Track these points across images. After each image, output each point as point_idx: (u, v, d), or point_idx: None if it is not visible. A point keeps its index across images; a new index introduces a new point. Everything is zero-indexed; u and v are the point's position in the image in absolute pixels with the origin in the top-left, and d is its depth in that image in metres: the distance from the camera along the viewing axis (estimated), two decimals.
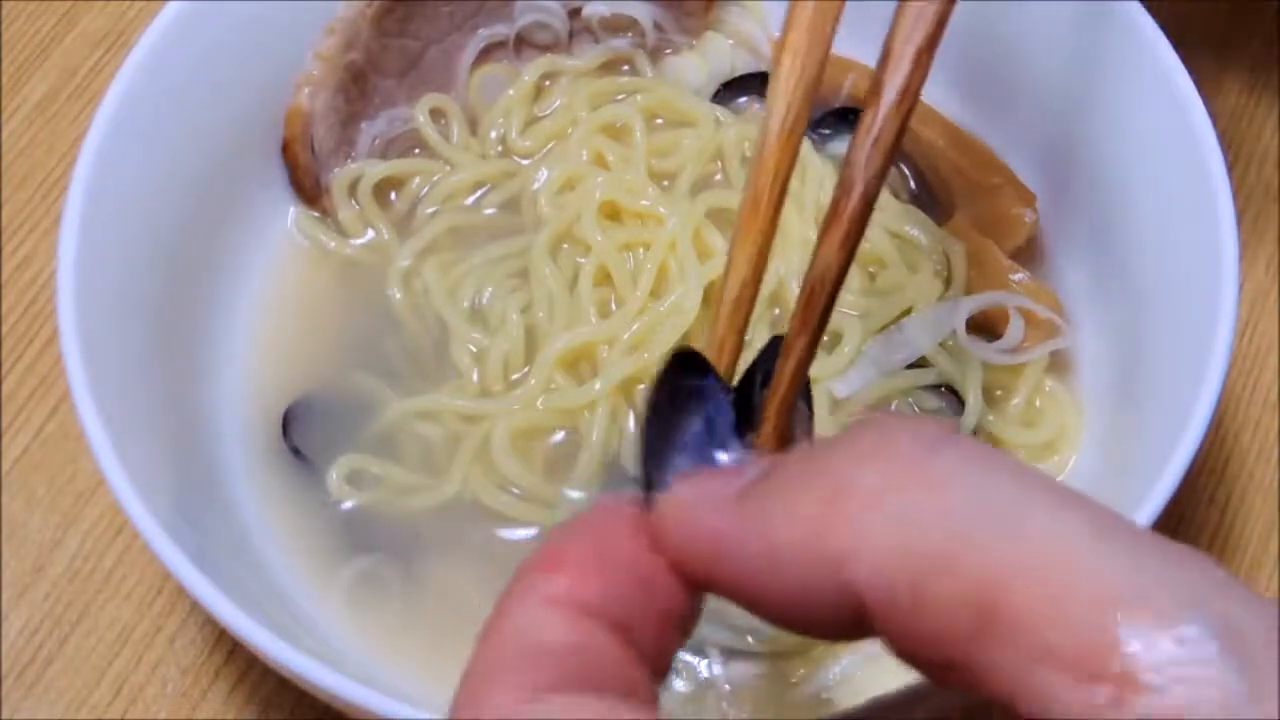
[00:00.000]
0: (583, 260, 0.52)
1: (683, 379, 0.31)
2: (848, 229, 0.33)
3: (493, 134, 0.57)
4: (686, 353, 0.32)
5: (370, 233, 0.55)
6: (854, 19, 0.57)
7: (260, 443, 0.51)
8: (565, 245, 0.53)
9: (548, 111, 0.57)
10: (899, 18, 0.34)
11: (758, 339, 0.51)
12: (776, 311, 0.52)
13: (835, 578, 0.23)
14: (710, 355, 0.34)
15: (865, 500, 0.23)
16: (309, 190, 0.55)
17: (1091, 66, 0.52)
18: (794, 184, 0.54)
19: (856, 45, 0.58)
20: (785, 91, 0.34)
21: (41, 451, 0.55)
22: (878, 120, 0.33)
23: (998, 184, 0.54)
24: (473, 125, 0.57)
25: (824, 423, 0.49)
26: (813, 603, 0.23)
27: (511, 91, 0.57)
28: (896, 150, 0.33)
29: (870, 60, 0.60)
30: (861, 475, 0.23)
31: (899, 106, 0.33)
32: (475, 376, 0.51)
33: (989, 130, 0.56)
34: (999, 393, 0.51)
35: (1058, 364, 0.52)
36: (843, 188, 0.33)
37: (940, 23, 0.34)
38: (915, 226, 0.53)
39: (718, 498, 0.25)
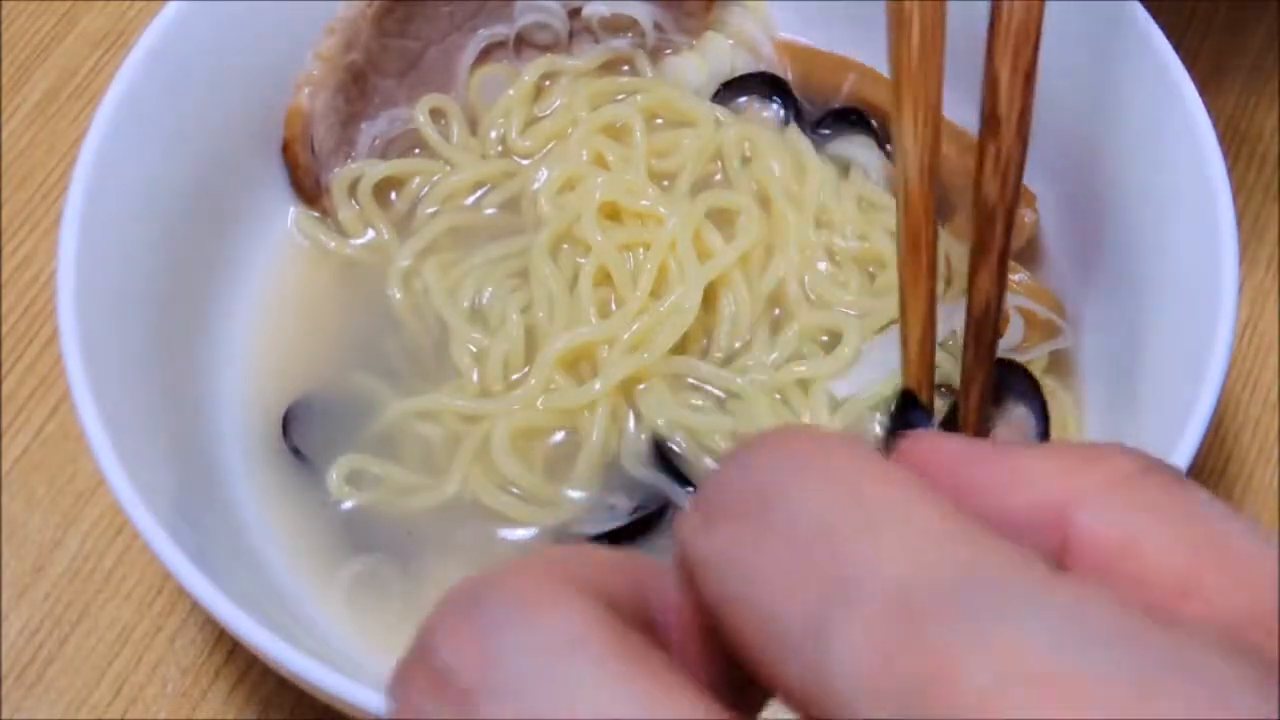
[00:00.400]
0: (583, 260, 0.52)
1: (905, 416, 0.33)
2: (998, 258, 0.34)
3: (493, 134, 0.57)
4: (907, 392, 0.34)
5: (370, 233, 0.55)
6: (855, 19, 0.57)
7: (260, 443, 0.51)
8: (565, 245, 0.53)
9: (548, 111, 0.57)
10: (994, 46, 0.34)
11: (758, 341, 0.51)
12: (777, 312, 0.52)
13: (1055, 520, 0.23)
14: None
15: (1110, 471, 0.23)
16: (309, 190, 0.55)
17: (1091, 66, 0.52)
18: (793, 185, 0.54)
19: (857, 45, 0.58)
20: (911, 136, 0.35)
21: (41, 451, 0.55)
22: (1002, 149, 0.34)
23: None
24: (473, 125, 0.57)
25: (823, 424, 0.49)
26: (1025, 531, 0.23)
27: (511, 91, 0.57)
28: (1023, 169, 0.35)
29: (868, 59, 0.59)
30: (1110, 453, 0.23)
31: (1019, 130, 0.34)
32: (475, 376, 0.51)
33: None
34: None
35: (1058, 364, 0.52)
36: (985, 218, 0.34)
37: (1036, 45, 0.35)
38: None
39: (968, 440, 0.25)
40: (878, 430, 0.48)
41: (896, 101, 0.35)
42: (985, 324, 0.35)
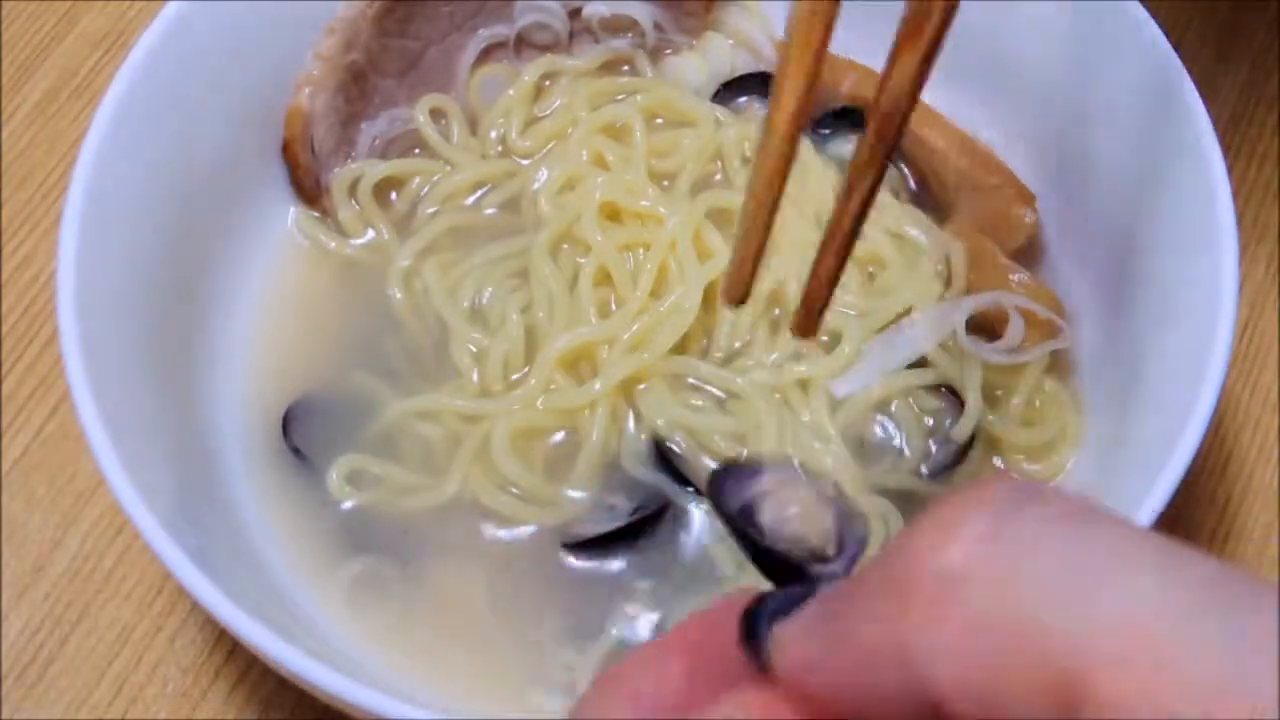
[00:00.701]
0: (583, 260, 0.52)
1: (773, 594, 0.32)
2: (926, 50, 0.31)
3: (493, 134, 0.57)
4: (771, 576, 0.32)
5: (370, 233, 0.55)
6: (855, 19, 0.57)
7: (260, 443, 0.51)
8: (565, 245, 0.53)
9: (548, 111, 0.57)
10: None
11: (758, 341, 0.51)
12: (777, 312, 0.52)
13: (917, 682, 0.22)
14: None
15: (933, 596, 0.22)
16: (309, 190, 0.55)
17: (1091, 66, 0.52)
18: (793, 186, 0.54)
19: (857, 45, 0.58)
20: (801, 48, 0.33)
21: (41, 451, 0.55)
22: None
23: (998, 184, 0.54)
24: (473, 125, 0.57)
25: (823, 424, 0.49)
26: (903, 712, 0.23)
27: (511, 91, 0.57)
28: None
29: (868, 59, 0.59)
30: (928, 568, 0.22)
31: None
32: (475, 376, 0.51)
33: (989, 130, 0.56)
34: (999, 393, 0.51)
35: (1058, 364, 0.52)
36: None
37: None
38: (915, 226, 0.53)
39: (807, 625, 0.25)
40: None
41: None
42: (889, 123, 0.32)
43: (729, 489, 0.34)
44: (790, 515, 0.33)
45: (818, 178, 0.54)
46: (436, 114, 0.56)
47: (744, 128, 0.56)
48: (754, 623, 0.28)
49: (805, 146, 0.56)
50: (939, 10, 0.31)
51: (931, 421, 0.50)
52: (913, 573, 0.23)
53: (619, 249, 0.52)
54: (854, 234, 0.36)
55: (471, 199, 0.56)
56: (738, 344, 0.51)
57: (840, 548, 0.33)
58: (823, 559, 0.33)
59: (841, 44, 0.58)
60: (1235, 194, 0.46)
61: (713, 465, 0.49)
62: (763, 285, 0.52)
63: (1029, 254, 0.54)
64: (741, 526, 0.33)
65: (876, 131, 0.33)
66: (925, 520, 0.24)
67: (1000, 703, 0.21)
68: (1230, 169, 0.47)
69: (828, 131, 0.57)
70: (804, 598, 0.29)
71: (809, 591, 0.29)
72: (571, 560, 0.49)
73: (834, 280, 0.38)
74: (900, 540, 0.24)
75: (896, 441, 0.50)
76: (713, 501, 0.33)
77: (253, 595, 0.43)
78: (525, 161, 0.56)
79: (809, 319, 0.39)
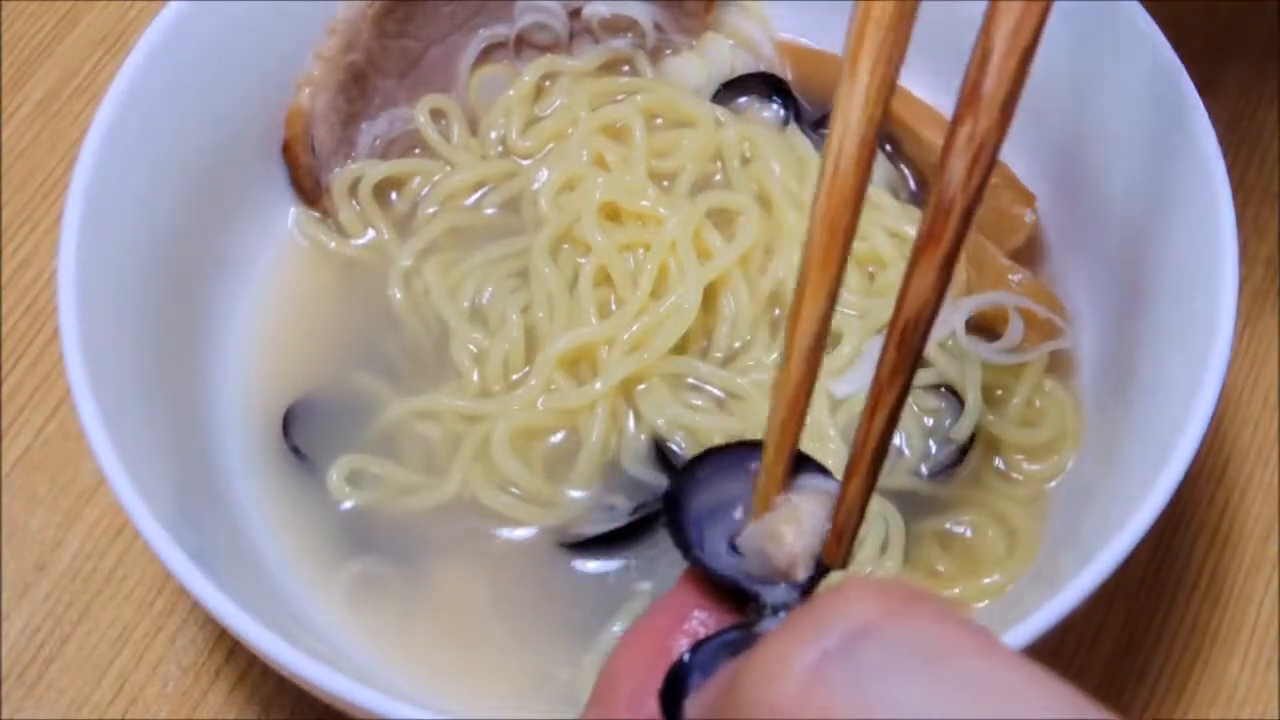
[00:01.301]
0: (583, 260, 0.52)
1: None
2: (945, 257, 0.29)
3: (493, 134, 0.57)
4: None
5: (370, 233, 0.55)
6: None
7: (260, 443, 0.51)
8: (565, 245, 0.53)
9: (548, 112, 0.57)
10: (992, 23, 0.30)
11: (758, 341, 0.51)
12: (777, 312, 0.52)
13: None
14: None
15: None
16: (309, 190, 0.55)
17: (1091, 66, 0.52)
18: (793, 185, 0.54)
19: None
20: (866, 87, 0.31)
21: (42, 451, 0.55)
22: (979, 129, 0.29)
23: (997, 184, 0.54)
24: (473, 125, 0.57)
25: (823, 424, 0.49)
26: None
27: (511, 92, 0.57)
28: (995, 159, 0.30)
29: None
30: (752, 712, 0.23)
31: (1002, 113, 0.29)
32: (475, 376, 0.51)
33: None
34: (999, 393, 0.51)
35: (1058, 364, 0.52)
36: (939, 207, 0.29)
37: (1041, 20, 0.31)
38: (915, 226, 0.53)
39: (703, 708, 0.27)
40: None
41: (856, 44, 0.31)
42: (912, 333, 0.30)
43: (697, 490, 0.34)
44: (763, 532, 0.33)
45: (817, 176, 0.54)
46: (437, 114, 0.56)
47: (744, 128, 0.56)
48: (674, 694, 0.29)
49: (805, 146, 0.56)
50: (958, 214, 0.29)
51: (931, 421, 0.50)
52: (745, 707, 0.23)
53: (619, 249, 0.52)
54: (881, 455, 0.32)
55: (471, 199, 0.56)
56: (737, 344, 0.51)
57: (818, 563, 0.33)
58: (780, 579, 0.33)
59: (842, 43, 0.58)
60: (1235, 194, 0.46)
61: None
62: (763, 285, 0.52)
63: (1029, 254, 0.54)
64: (696, 553, 0.33)
65: (899, 344, 0.31)
66: (760, 651, 0.24)
67: None
68: (1230, 169, 0.47)
69: (827, 131, 0.57)
70: (735, 646, 0.30)
71: (739, 641, 0.30)
72: (571, 560, 0.49)
73: (863, 504, 0.33)
74: (739, 668, 0.24)
75: (896, 441, 0.50)
76: (669, 515, 0.33)
77: (253, 595, 0.43)
78: (525, 162, 0.56)
79: (839, 545, 0.33)
